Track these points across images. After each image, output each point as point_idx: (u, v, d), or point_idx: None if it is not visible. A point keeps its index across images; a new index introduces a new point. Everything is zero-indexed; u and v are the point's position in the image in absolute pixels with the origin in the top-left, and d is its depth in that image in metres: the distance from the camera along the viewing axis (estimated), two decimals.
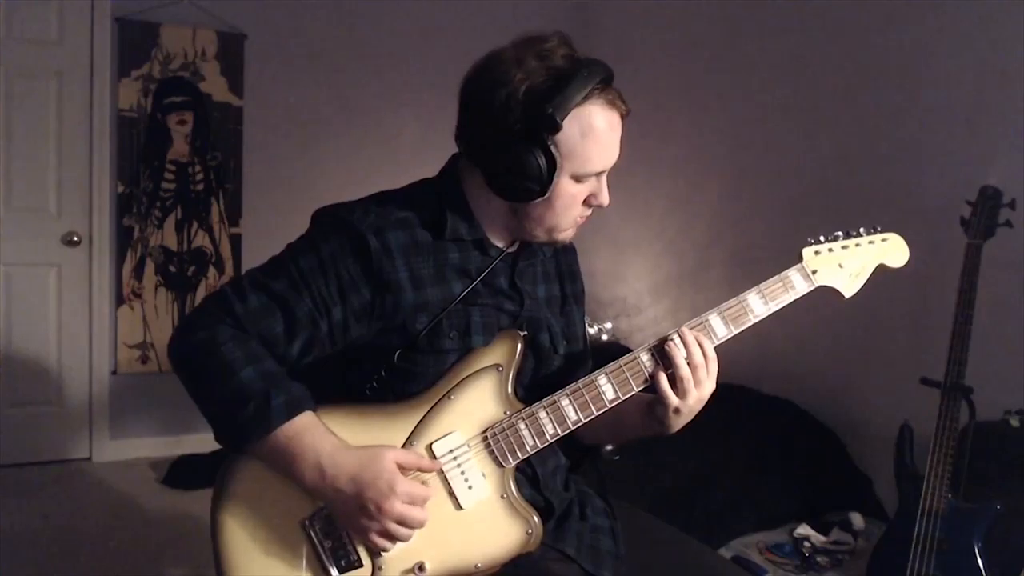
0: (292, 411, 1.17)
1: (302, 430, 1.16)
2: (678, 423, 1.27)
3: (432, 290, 1.26)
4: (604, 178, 1.28)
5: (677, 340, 1.24)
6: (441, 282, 1.27)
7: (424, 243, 1.27)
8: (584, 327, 1.51)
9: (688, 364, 1.23)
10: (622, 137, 1.27)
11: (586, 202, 1.28)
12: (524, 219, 1.28)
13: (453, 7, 4.30)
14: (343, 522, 1.19)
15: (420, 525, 1.18)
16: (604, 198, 1.28)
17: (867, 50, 3.02)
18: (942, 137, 2.74)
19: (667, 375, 1.24)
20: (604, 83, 1.21)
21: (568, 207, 1.26)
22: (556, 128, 1.17)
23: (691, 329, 1.26)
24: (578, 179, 1.24)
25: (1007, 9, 2.54)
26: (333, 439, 1.17)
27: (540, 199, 1.22)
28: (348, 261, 1.22)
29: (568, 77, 1.17)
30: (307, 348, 1.24)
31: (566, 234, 1.31)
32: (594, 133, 1.21)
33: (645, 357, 1.25)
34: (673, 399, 1.23)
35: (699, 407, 1.27)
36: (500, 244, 1.33)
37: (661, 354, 1.25)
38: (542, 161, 1.19)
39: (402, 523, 1.16)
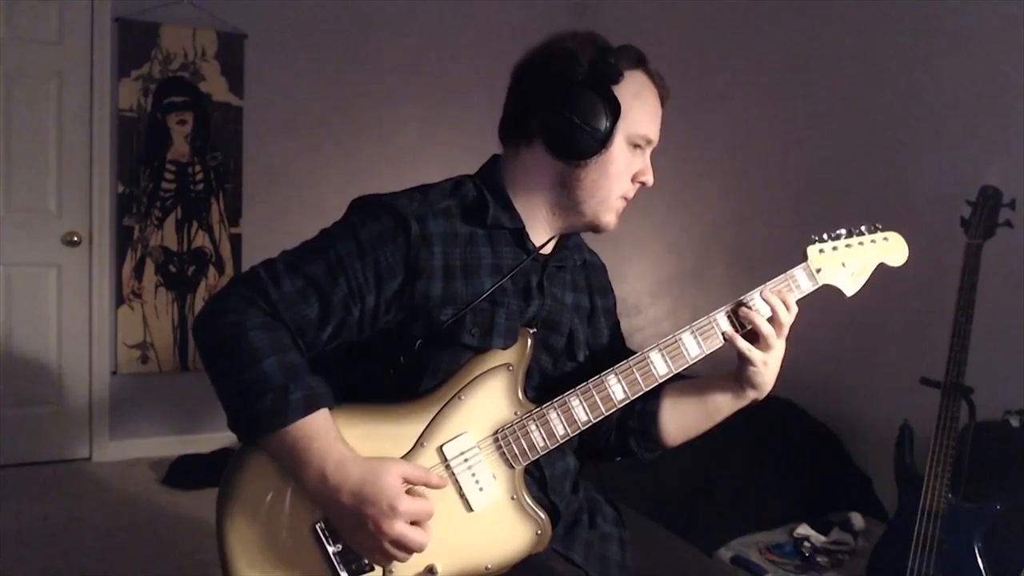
0: (310, 407, 1.15)
1: (313, 434, 1.14)
2: (771, 376, 1.32)
3: (462, 283, 1.26)
4: (648, 156, 1.33)
5: (756, 302, 1.29)
6: (472, 276, 1.27)
7: (462, 235, 1.28)
8: (619, 340, 1.52)
9: (770, 321, 1.28)
10: None
11: (633, 178, 1.32)
12: (575, 191, 1.30)
13: (453, 8, 4.30)
14: (343, 533, 1.17)
15: (420, 549, 1.14)
16: (650, 176, 1.33)
17: (867, 50, 3.03)
18: (942, 137, 2.75)
19: (743, 335, 1.29)
20: (645, 63, 1.31)
21: (620, 175, 1.30)
22: (619, 75, 1.25)
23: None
24: (631, 144, 1.29)
25: (1007, 9, 2.55)
26: (342, 448, 1.15)
27: (597, 158, 1.27)
28: (388, 247, 1.23)
29: (621, 46, 1.28)
30: (336, 334, 1.23)
31: (610, 216, 1.33)
32: (645, 97, 1.29)
33: (722, 323, 1.30)
34: (758, 354, 1.28)
35: (781, 354, 1.32)
36: (536, 243, 1.34)
37: (737, 318, 1.29)
38: (606, 107, 1.24)
39: (400, 545, 1.13)
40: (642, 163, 1.32)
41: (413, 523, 1.14)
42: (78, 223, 3.73)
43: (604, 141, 1.25)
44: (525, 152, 1.32)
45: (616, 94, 1.24)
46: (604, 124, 1.24)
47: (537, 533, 1.24)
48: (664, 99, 1.33)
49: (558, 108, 1.25)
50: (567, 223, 1.35)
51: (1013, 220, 2.24)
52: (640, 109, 1.28)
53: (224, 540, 1.19)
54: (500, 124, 1.36)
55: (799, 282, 1.33)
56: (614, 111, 1.24)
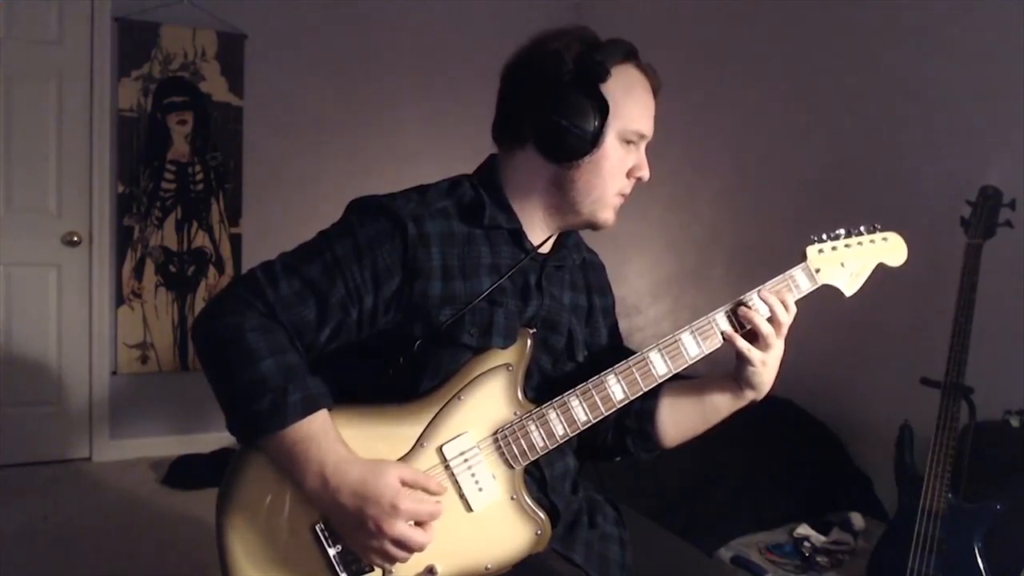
0: (308, 408, 1.14)
1: (312, 435, 1.14)
2: (769, 376, 1.32)
3: (460, 283, 1.26)
4: (643, 150, 1.32)
5: (755, 302, 1.29)
6: (471, 276, 1.27)
7: (459, 235, 1.28)
8: (617, 339, 1.52)
9: (769, 321, 1.28)
10: None
11: (629, 174, 1.31)
12: (569, 191, 1.30)
13: (452, 7, 4.31)
14: (344, 535, 1.17)
15: (421, 548, 1.14)
16: (646, 171, 1.32)
17: (867, 49, 3.03)
18: (942, 137, 2.75)
19: (742, 335, 1.28)
20: (635, 55, 1.30)
21: (614, 172, 1.29)
22: (606, 73, 1.23)
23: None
24: (624, 140, 1.28)
25: (1007, 10, 2.55)
26: (341, 450, 1.15)
27: (589, 158, 1.26)
28: (385, 248, 1.22)
29: (608, 40, 1.27)
30: (335, 335, 1.23)
31: (608, 213, 1.33)
32: (635, 91, 1.28)
33: (722, 323, 1.30)
34: (757, 354, 1.28)
35: (780, 354, 1.31)
36: (534, 242, 1.34)
37: (736, 318, 1.29)
38: (594, 107, 1.23)
39: (402, 544, 1.13)
40: (637, 158, 1.31)
41: (416, 523, 1.14)
42: (78, 223, 3.73)
43: (594, 141, 1.24)
44: (518, 154, 1.32)
45: (604, 92, 1.24)
46: (593, 124, 1.23)
47: (537, 533, 1.24)
48: (656, 91, 1.31)
49: (546, 111, 1.24)
50: (565, 222, 1.35)
51: (1013, 220, 2.24)
52: (631, 105, 1.27)
53: (224, 541, 1.19)
54: (492, 127, 1.36)
55: (798, 282, 1.33)
56: (602, 110, 1.23)
